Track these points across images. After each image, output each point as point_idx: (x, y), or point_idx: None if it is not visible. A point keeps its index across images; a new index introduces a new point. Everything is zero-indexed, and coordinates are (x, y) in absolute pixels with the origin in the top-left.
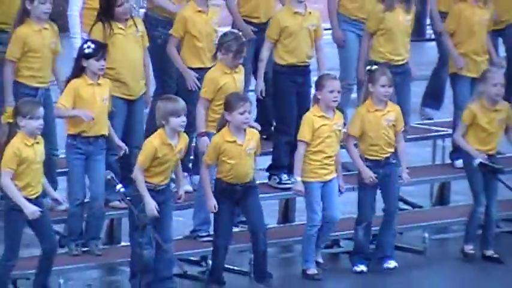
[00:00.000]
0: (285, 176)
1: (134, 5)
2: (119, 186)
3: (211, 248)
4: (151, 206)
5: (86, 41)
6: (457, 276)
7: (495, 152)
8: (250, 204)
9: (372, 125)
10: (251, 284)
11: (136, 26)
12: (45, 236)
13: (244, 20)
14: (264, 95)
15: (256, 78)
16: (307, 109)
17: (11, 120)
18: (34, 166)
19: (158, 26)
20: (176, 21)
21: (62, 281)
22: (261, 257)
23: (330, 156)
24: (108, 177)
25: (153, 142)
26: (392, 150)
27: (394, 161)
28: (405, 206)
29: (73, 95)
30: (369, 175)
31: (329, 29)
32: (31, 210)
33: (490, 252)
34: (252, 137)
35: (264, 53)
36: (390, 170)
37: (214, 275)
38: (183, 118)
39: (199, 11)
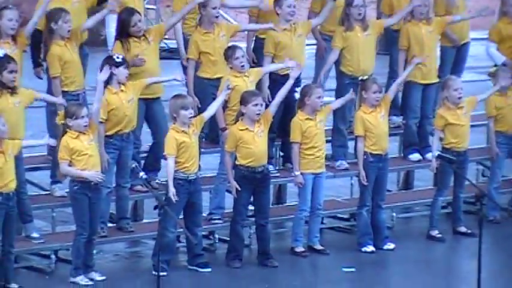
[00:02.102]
0: (270, 167)
1: (144, 28)
2: (141, 174)
3: (219, 225)
4: (172, 191)
5: (112, 54)
6: (417, 246)
7: (466, 149)
8: (263, 202)
9: (372, 124)
10: (251, 254)
11: (147, 38)
12: (90, 220)
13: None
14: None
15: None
16: (293, 110)
17: (63, 121)
18: (85, 152)
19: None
20: (189, 46)
21: (95, 251)
22: (267, 244)
23: (321, 149)
24: (133, 166)
25: (171, 132)
26: (387, 145)
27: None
28: None
29: (105, 107)
30: (362, 175)
31: (312, 44)
32: (93, 175)
33: (463, 229)
34: (261, 124)
35: (268, 66)
36: (386, 164)
37: (233, 252)
38: (191, 111)
39: (206, 32)
